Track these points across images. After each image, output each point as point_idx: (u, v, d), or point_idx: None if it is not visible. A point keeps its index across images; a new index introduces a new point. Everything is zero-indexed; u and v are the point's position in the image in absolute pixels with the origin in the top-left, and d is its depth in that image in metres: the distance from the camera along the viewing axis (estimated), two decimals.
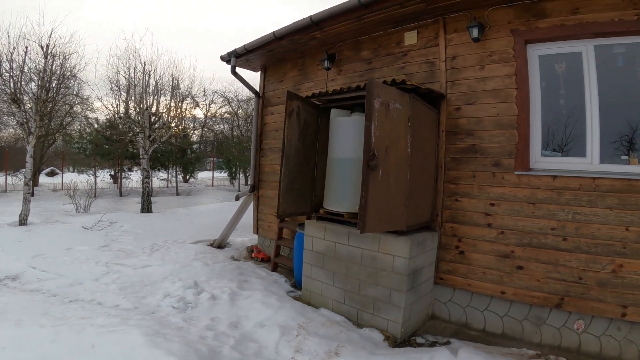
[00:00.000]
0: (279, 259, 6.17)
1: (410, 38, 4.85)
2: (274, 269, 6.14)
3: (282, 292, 5.06)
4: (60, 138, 18.81)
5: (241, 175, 22.58)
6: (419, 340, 4.13)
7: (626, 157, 3.91)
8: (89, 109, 16.31)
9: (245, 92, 23.09)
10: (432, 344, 4.05)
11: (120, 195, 17.28)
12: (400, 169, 3.96)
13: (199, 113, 23.63)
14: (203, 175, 25.63)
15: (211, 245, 7.42)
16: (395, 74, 4.98)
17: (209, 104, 22.32)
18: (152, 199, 13.56)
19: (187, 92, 14.17)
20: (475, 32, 4.25)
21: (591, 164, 3.93)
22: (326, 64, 5.66)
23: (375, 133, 3.59)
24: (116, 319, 3.89)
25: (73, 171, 21.14)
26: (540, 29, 4.06)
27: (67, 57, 9.75)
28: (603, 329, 3.73)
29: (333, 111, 4.78)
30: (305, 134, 4.75)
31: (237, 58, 6.53)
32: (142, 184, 12.40)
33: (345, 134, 4.58)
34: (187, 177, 23.20)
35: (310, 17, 4.91)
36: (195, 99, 18.23)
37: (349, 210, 4.48)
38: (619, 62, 4.00)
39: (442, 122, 4.55)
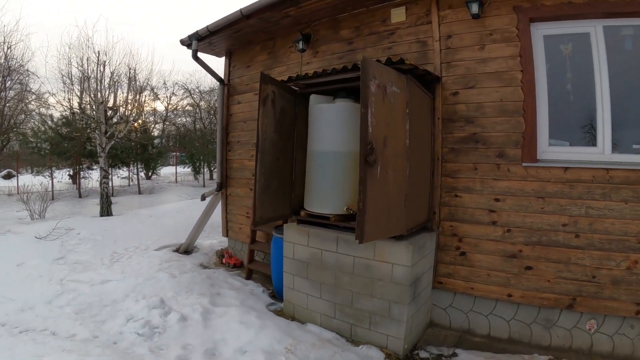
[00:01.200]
0: (253, 264, 5.48)
1: (398, 15, 4.25)
2: (249, 276, 5.45)
3: (262, 306, 4.40)
4: (14, 138, 16.92)
5: (205, 170, 21.40)
6: (423, 354, 3.62)
7: (638, 146, 3.55)
8: (43, 105, 14.72)
9: (207, 83, 21.86)
10: (438, 357, 3.57)
11: (80, 196, 15.72)
12: (399, 164, 3.38)
13: (160, 106, 22.15)
14: (166, 171, 24.03)
15: (177, 250, 6.60)
16: (381, 55, 4.37)
17: (170, 96, 20.93)
18: (113, 199, 12.39)
19: (145, 84, 12.96)
20: (475, 8, 3.71)
21: (602, 153, 3.55)
22: (300, 45, 4.96)
23: (373, 122, 2.98)
24: (72, 356, 3.25)
25: (31, 172, 19.15)
26: (546, 7, 3.60)
27: (11, 47, 8.33)
28: (616, 327, 3.46)
29: (313, 97, 4.11)
30: (281, 124, 4.05)
31: (199, 41, 5.69)
32: (101, 184, 11.17)
33: (328, 123, 3.93)
34: (150, 173, 21.67)
35: None
36: (155, 91, 16.89)
37: (335, 212, 3.85)
38: (627, 45, 3.63)
39: (438, 108, 4.00)
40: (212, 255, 6.50)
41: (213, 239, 7.56)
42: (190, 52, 5.87)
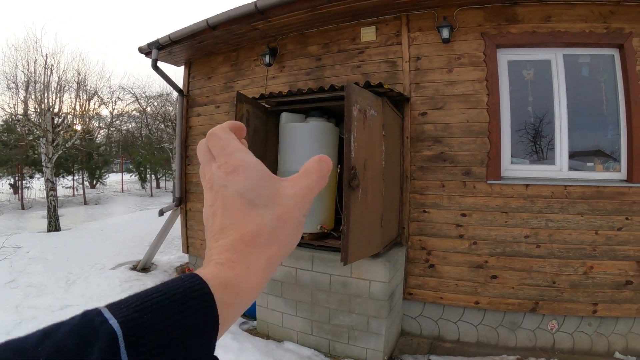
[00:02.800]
0: None
1: (368, 34, 4.31)
2: None
3: (234, 327, 4.25)
4: None
5: (152, 178, 20.29)
6: None
7: (591, 164, 3.90)
8: None
9: (155, 88, 20.80)
10: None
11: (22, 208, 14.29)
12: (377, 185, 3.43)
13: (105, 111, 20.65)
14: (111, 179, 22.42)
15: (135, 268, 6.21)
16: (350, 73, 4.41)
17: (115, 101, 19.61)
18: (60, 211, 11.43)
19: (93, 90, 12.07)
20: (445, 33, 3.87)
21: (560, 171, 3.88)
22: (267, 59, 4.86)
23: (355, 146, 3.00)
24: None
25: None
26: (512, 34, 3.86)
27: None
28: (575, 326, 3.81)
29: (284, 115, 4.06)
30: (255, 143, 3.96)
31: (159, 50, 5.39)
32: (47, 197, 10.19)
33: (302, 142, 3.90)
34: (95, 182, 20.12)
35: (255, 3, 4.07)
36: (101, 95, 15.70)
37: (308, 231, 3.84)
38: (584, 72, 3.99)
39: (407, 127, 4.11)
40: (173, 273, 6.19)
41: (170, 255, 7.20)
42: (145, 58, 5.56)
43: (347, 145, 2.94)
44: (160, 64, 5.78)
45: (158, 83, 21.35)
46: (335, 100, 3.70)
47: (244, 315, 4.65)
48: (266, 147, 4.15)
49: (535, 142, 4.06)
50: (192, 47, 5.38)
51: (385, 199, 3.60)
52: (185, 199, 6.12)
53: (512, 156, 3.96)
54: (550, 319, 3.87)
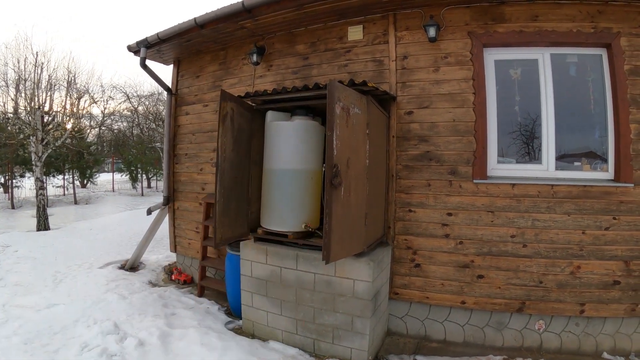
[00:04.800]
0: (205, 281, 5.26)
1: (355, 33, 4.30)
2: (201, 293, 5.23)
3: (220, 326, 4.24)
4: None
5: (143, 178, 20.17)
6: None
7: (578, 164, 3.90)
8: None
9: (146, 87, 20.77)
10: None
11: (12, 207, 14.18)
12: (360, 184, 3.41)
13: (96, 110, 20.54)
14: (102, 178, 22.26)
15: (122, 267, 6.18)
16: (337, 72, 4.40)
17: (107, 100, 19.51)
18: (49, 210, 11.35)
19: (84, 88, 12.01)
20: (432, 32, 3.86)
21: (547, 170, 3.88)
22: (254, 57, 4.85)
23: (337, 144, 2.98)
24: None
25: None
26: (498, 34, 3.86)
27: None
28: (562, 326, 3.81)
29: (270, 114, 4.04)
30: (239, 142, 3.94)
31: (147, 49, 5.36)
32: (37, 196, 10.12)
33: (286, 141, 3.87)
34: (85, 182, 19.97)
35: (243, 2, 4.06)
36: (92, 94, 15.61)
37: (293, 230, 3.82)
38: (571, 71, 3.99)
39: (393, 126, 4.11)
40: (160, 272, 6.15)
41: (159, 254, 7.16)
42: (135, 57, 5.54)
43: (330, 143, 2.93)
44: (150, 63, 5.77)
45: (150, 82, 21.28)
46: (320, 99, 3.68)
47: (230, 314, 4.63)
48: (251, 146, 4.12)
49: (522, 141, 4.05)
50: (181, 45, 5.36)
51: (369, 198, 3.59)
52: (173, 198, 6.09)
53: (498, 155, 3.96)
54: (538, 319, 3.87)
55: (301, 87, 3.63)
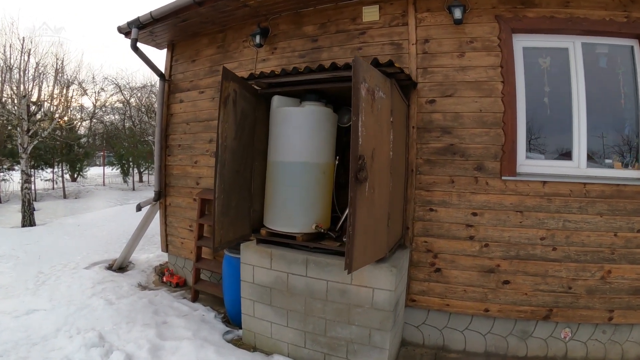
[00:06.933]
0: (200, 285, 4.58)
1: (371, 14, 3.69)
2: (195, 297, 4.56)
3: (218, 337, 3.60)
4: None
5: (135, 172, 19.10)
6: None
7: (609, 161, 3.40)
8: None
9: (139, 79, 19.65)
10: None
11: None
12: (384, 180, 2.82)
13: (87, 102, 19.36)
14: (93, 172, 20.93)
15: (110, 268, 5.45)
16: (350, 55, 3.79)
17: (98, 92, 18.35)
18: (37, 205, 10.50)
19: (74, 77, 11.09)
20: (458, 13, 3.30)
21: (578, 167, 3.36)
22: (257, 39, 4.19)
23: (363, 132, 2.39)
24: None
25: None
26: (528, 19, 3.33)
27: None
28: (589, 334, 3.38)
29: (276, 99, 3.41)
30: (242, 129, 3.29)
31: (139, 29, 4.63)
32: (22, 190, 9.23)
33: (296, 129, 3.25)
34: (75, 175, 18.77)
35: None
36: (83, 85, 14.52)
37: (302, 231, 3.21)
38: (601, 63, 3.49)
39: (413, 116, 3.52)
40: (151, 273, 5.44)
41: (150, 253, 6.42)
42: (127, 41, 4.82)
43: (355, 130, 2.33)
44: (143, 48, 5.05)
45: (142, 73, 20.17)
46: (335, 82, 3.08)
47: (228, 322, 4.00)
48: (254, 135, 3.48)
49: (552, 135, 3.53)
50: (176, 26, 4.65)
51: (391, 195, 3.00)
52: (165, 193, 5.39)
53: (526, 150, 3.43)
54: (564, 326, 3.38)
55: (315, 67, 3.00)
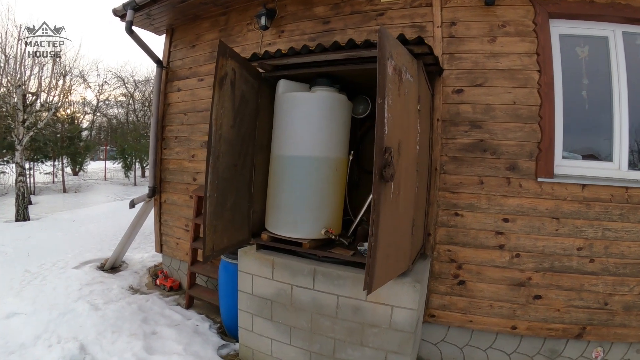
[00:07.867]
0: (194, 290, 4.09)
1: None
2: (189, 304, 4.06)
3: (211, 352, 3.12)
4: None
5: (137, 166, 18.52)
6: None
7: None
8: None
9: (143, 72, 19.03)
10: None
11: None
12: (409, 179, 2.34)
13: (90, 95, 18.81)
14: (94, 166, 20.21)
15: (102, 267, 4.97)
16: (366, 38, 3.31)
17: (102, 85, 17.72)
18: (35, 199, 10.05)
19: (72, 66, 10.57)
20: None
21: (619, 169, 2.89)
22: (263, 20, 3.69)
23: (389, 119, 1.90)
24: None
25: None
26: (566, 3, 2.87)
27: None
28: (622, 353, 2.96)
29: (282, 83, 2.91)
30: (241, 117, 2.79)
31: (135, 11, 4.15)
32: (16, 183, 8.73)
33: (305, 118, 2.76)
34: (77, 169, 18.17)
35: None
36: (85, 77, 13.96)
37: (309, 237, 2.74)
38: None
39: (437, 107, 3.05)
40: (144, 274, 4.93)
41: (144, 252, 5.92)
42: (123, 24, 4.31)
43: (380, 116, 1.84)
44: (141, 33, 4.56)
45: (146, 66, 19.54)
46: (353, 63, 2.60)
47: (224, 334, 3.52)
48: (256, 125, 2.98)
49: (590, 133, 3.06)
50: (174, 7, 4.15)
51: (415, 197, 2.52)
52: (160, 189, 4.91)
53: (563, 149, 2.96)
54: (596, 345, 2.94)
55: (329, 46, 2.51)
